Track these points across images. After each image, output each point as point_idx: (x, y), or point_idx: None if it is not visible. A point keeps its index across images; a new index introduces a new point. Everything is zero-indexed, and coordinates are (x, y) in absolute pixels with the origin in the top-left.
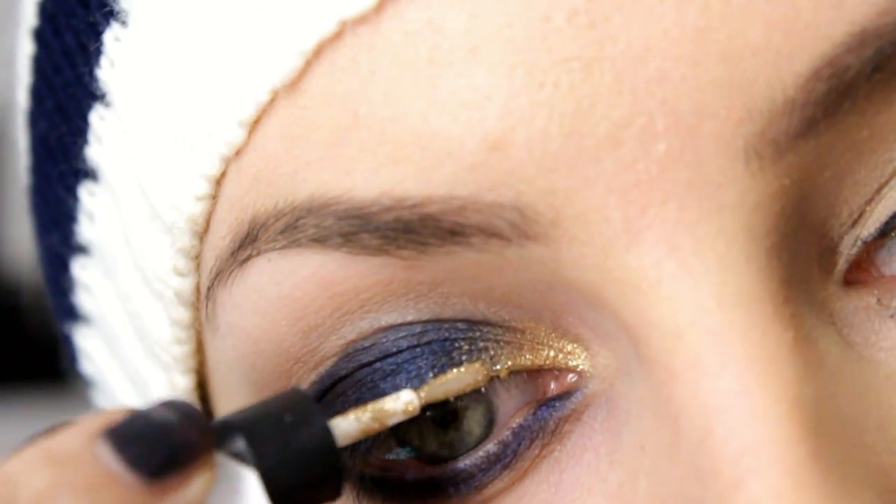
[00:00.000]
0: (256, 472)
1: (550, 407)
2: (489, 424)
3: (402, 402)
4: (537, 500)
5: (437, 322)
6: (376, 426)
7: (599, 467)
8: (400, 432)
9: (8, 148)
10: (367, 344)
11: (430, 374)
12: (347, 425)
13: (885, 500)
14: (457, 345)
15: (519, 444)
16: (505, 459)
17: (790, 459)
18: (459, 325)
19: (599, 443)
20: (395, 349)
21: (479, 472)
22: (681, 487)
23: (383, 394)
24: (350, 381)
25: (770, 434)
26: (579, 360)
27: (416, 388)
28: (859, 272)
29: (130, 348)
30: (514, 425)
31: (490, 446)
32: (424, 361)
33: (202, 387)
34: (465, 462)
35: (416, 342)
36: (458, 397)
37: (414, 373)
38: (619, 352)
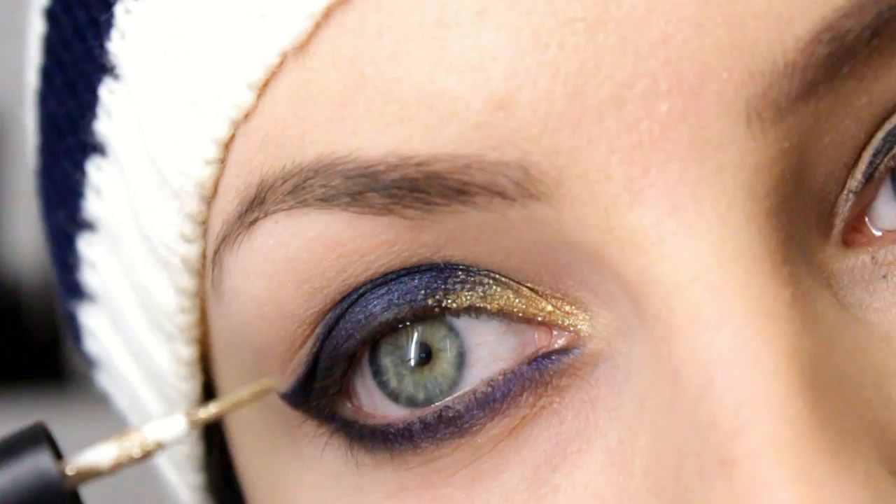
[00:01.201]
0: None
1: (547, 359)
2: (460, 363)
3: (172, 431)
4: (537, 451)
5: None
6: (140, 456)
7: (599, 422)
8: (380, 372)
9: (8, 148)
10: (361, 279)
11: (421, 293)
12: (106, 455)
13: (883, 453)
14: (455, 275)
15: (509, 389)
16: (494, 403)
17: (788, 410)
18: (459, 265)
19: (598, 397)
20: (390, 279)
21: (466, 413)
22: (680, 441)
23: (372, 317)
24: (343, 316)
25: (768, 385)
26: (577, 321)
27: (188, 411)
28: (856, 233)
29: (134, 322)
30: (507, 370)
31: (479, 386)
32: (418, 280)
33: (205, 359)
34: (453, 402)
35: (413, 270)
36: (432, 338)
37: (406, 289)
38: (620, 312)
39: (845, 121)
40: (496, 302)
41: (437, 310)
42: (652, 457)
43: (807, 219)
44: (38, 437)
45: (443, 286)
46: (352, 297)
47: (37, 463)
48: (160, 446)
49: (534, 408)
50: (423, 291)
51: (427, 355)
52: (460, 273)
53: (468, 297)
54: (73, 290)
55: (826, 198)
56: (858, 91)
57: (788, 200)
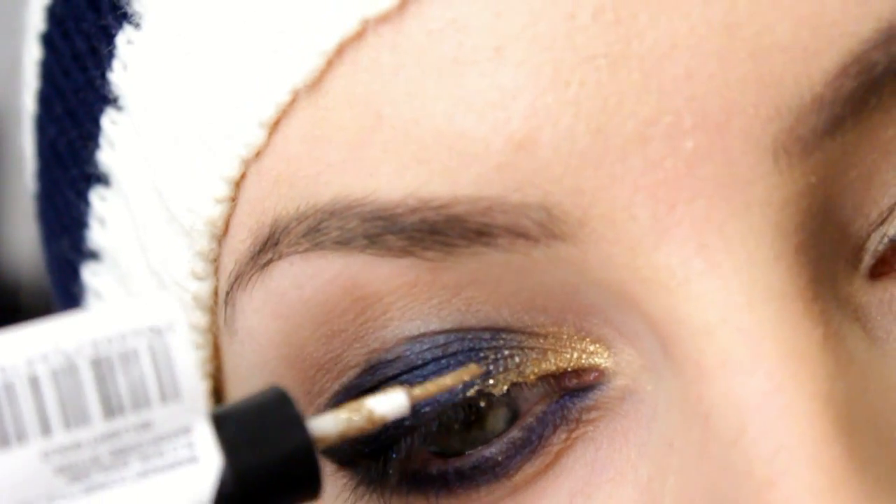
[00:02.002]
0: (231, 476)
1: (574, 396)
2: (512, 421)
3: (392, 405)
4: (574, 479)
5: (461, 331)
6: (367, 427)
7: (630, 455)
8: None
9: (8, 148)
10: (390, 356)
11: (459, 387)
12: (334, 425)
13: None
14: (482, 354)
15: (543, 430)
16: (531, 445)
17: (825, 457)
18: (483, 334)
19: (629, 429)
20: (419, 361)
21: (505, 459)
22: (711, 486)
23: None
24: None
25: (804, 432)
26: (601, 359)
27: (410, 385)
28: (884, 265)
29: None
30: (538, 412)
31: (514, 433)
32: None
33: (217, 393)
34: (490, 450)
35: (440, 353)
36: (486, 400)
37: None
38: (644, 350)
39: (872, 154)
40: (531, 372)
41: (480, 400)
42: (682, 499)
43: (835, 253)
44: (285, 399)
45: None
46: (380, 381)
47: (287, 423)
48: (384, 420)
49: (568, 440)
50: (459, 386)
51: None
52: (488, 353)
53: (504, 378)
54: None
55: (855, 231)
56: (885, 123)
57: (816, 236)
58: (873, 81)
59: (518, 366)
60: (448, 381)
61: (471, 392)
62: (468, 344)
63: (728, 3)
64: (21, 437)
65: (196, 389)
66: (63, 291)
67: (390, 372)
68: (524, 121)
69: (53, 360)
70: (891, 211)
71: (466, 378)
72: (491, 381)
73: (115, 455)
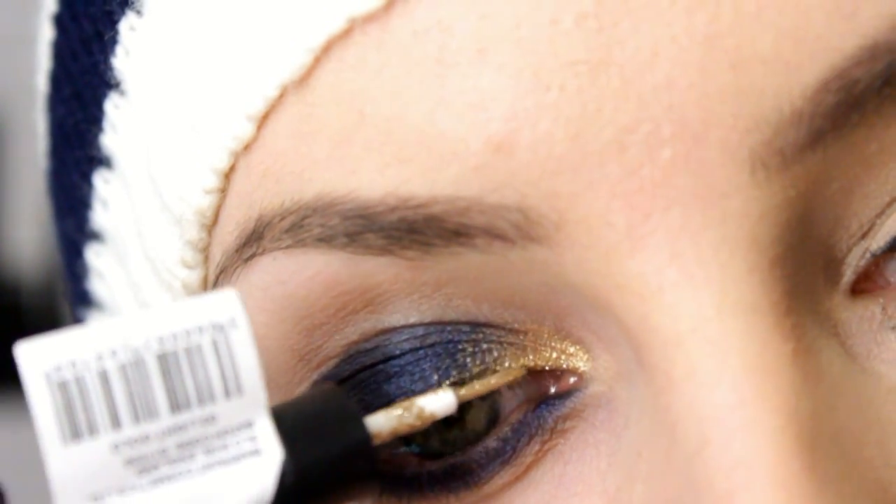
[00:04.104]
0: (292, 469)
1: (550, 405)
2: (492, 422)
3: (441, 404)
4: (540, 493)
5: (440, 324)
6: (418, 424)
7: (600, 465)
8: None
9: (8, 148)
10: (369, 346)
11: (435, 377)
12: (387, 421)
13: None
14: (460, 346)
15: (518, 440)
16: (504, 455)
17: (784, 473)
18: (462, 327)
19: (601, 440)
20: (397, 351)
21: (479, 468)
22: (675, 498)
23: (386, 395)
24: (352, 382)
25: (764, 447)
26: (580, 362)
27: (457, 386)
28: (866, 282)
29: None
30: (514, 421)
31: (490, 442)
32: (428, 363)
33: None
34: (465, 457)
35: (418, 344)
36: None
37: (418, 375)
38: (620, 356)
39: (854, 168)
40: (508, 367)
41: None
42: None
43: (814, 267)
44: (340, 395)
45: (453, 364)
46: (357, 370)
47: (345, 419)
48: (434, 417)
49: (539, 452)
50: (435, 375)
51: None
52: (466, 345)
53: (479, 370)
54: (82, 297)
55: (835, 244)
56: (868, 139)
57: (794, 249)
58: (855, 97)
59: (496, 359)
60: (493, 381)
61: (445, 384)
62: (447, 336)
63: (710, 13)
64: (92, 430)
65: (257, 384)
66: (69, 271)
67: (367, 361)
68: (503, 123)
69: (122, 355)
70: (872, 225)
71: (511, 378)
72: (467, 374)
73: (181, 448)
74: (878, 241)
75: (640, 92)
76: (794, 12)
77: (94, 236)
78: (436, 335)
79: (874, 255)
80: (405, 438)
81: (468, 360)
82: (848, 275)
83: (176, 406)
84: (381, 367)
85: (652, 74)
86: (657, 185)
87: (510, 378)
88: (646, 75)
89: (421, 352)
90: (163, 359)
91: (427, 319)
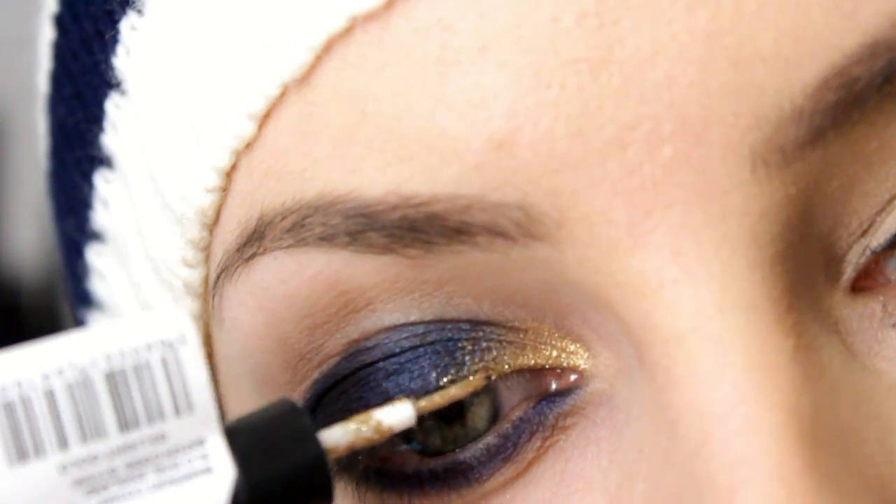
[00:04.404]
0: (245, 486)
1: (550, 402)
2: (493, 419)
3: (399, 417)
4: (542, 489)
5: (441, 322)
6: (376, 438)
7: (601, 463)
8: None
9: (8, 148)
10: (369, 344)
11: (433, 374)
12: (343, 436)
13: None
14: (460, 345)
15: (519, 437)
16: (505, 452)
17: (785, 469)
18: (463, 325)
19: (602, 438)
20: (397, 349)
21: (479, 465)
22: (676, 494)
23: (385, 393)
24: (352, 380)
25: (765, 443)
26: (581, 360)
27: (416, 398)
28: (866, 279)
29: None
30: (514, 418)
31: (490, 438)
32: (427, 361)
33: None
34: (465, 455)
35: (418, 342)
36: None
37: (416, 372)
38: (621, 354)
39: (854, 165)
40: (507, 365)
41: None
42: None
43: (814, 264)
44: (295, 410)
45: (452, 362)
46: (357, 367)
47: (299, 434)
48: (392, 430)
49: (541, 449)
50: (433, 373)
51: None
52: (466, 343)
53: (478, 368)
54: (83, 297)
55: (835, 242)
56: (869, 136)
57: (795, 246)
58: (855, 95)
59: (495, 358)
60: (453, 392)
61: (444, 381)
62: (447, 334)
63: (711, 11)
64: (39, 450)
65: (208, 402)
66: (69, 271)
67: (367, 359)
68: (504, 121)
69: (68, 374)
70: (872, 222)
71: (471, 389)
72: (465, 371)
73: (130, 467)
74: (878, 239)
75: (641, 90)
76: (794, 10)
77: (95, 236)
78: (436, 333)
79: (874, 253)
80: (406, 436)
81: (467, 358)
82: (848, 272)
83: (125, 425)
84: (380, 364)
85: (653, 72)
86: (658, 182)
87: (471, 388)
88: (646, 73)
89: (420, 349)
90: (111, 377)
91: (428, 317)
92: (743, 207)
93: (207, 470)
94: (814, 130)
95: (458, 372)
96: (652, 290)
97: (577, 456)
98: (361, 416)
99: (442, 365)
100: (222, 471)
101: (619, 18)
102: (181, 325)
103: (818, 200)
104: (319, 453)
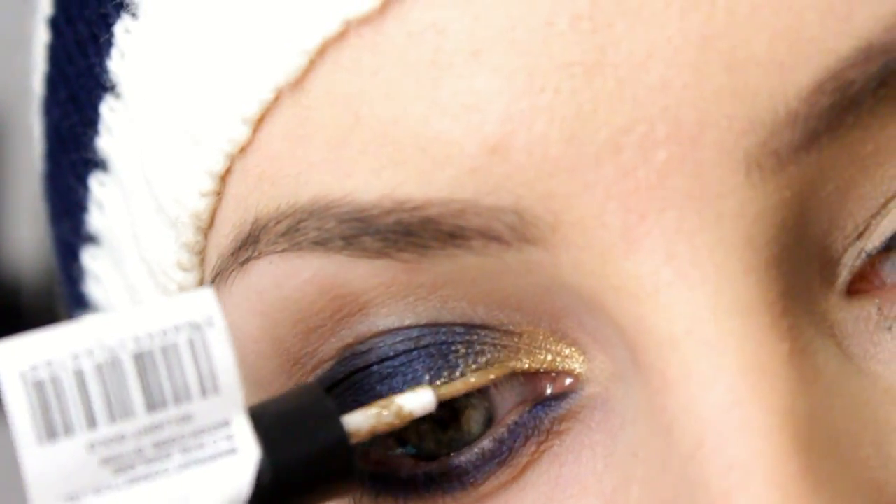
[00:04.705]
0: (269, 467)
1: (546, 406)
2: (488, 424)
3: (420, 402)
4: (537, 493)
5: (435, 326)
6: (397, 423)
7: (596, 467)
8: (397, 431)
9: (8, 148)
10: (363, 348)
11: (426, 377)
12: (365, 420)
13: None
14: (453, 348)
15: (514, 441)
16: (500, 456)
17: (779, 474)
18: (457, 328)
19: (597, 442)
20: (391, 353)
21: (474, 469)
22: (671, 498)
23: (379, 397)
24: (346, 384)
25: (760, 447)
26: (576, 364)
27: (435, 385)
28: (862, 282)
29: None
30: (510, 422)
31: (485, 443)
32: (421, 364)
33: None
34: (460, 459)
35: (412, 346)
36: (457, 398)
37: (410, 376)
38: (616, 357)
39: (850, 169)
40: (501, 369)
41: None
42: None
43: (809, 268)
44: (320, 395)
45: (445, 365)
46: (352, 371)
47: (323, 418)
48: (412, 416)
49: (535, 453)
50: (427, 376)
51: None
52: (460, 347)
53: (472, 369)
54: (79, 300)
55: (830, 245)
56: (864, 140)
57: (790, 250)
58: (850, 99)
59: (488, 361)
60: (473, 380)
61: (437, 383)
62: (441, 337)
63: (705, 15)
64: (68, 429)
65: (234, 384)
66: (64, 274)
67: (361, 363)
68: (498, 125)
69: (98, 354)
70: (867, 225)
71: (495, 376)
72: (458, 374)
73: (157, 447)
74: (873, 242)
75: (635, 93)
76: (788, 14)
77: (90, 239)
78: (430, 336)
79: (869, 256)
80: (400, 440)
81: (460, 361)
82: (844, 275)
83: (152, 405)
84: (374, 368)
85: (647, 75)
86: (652, 186)
87: (494, 376)
88: (640, 76)
89: (414, 353)
90: (139, 358)
91: (423, 321)
92: (737, 211)
93: (232, 451)
94: (808, 134)
95: (450, 375)
96: (646, 293)
97: (573, 460)
98: (383, 402)
99: (435, 368)
100: (246, 452)
101: (613, 22)
102: (209, 308)
103: (813, 204)
104: (342, 436)
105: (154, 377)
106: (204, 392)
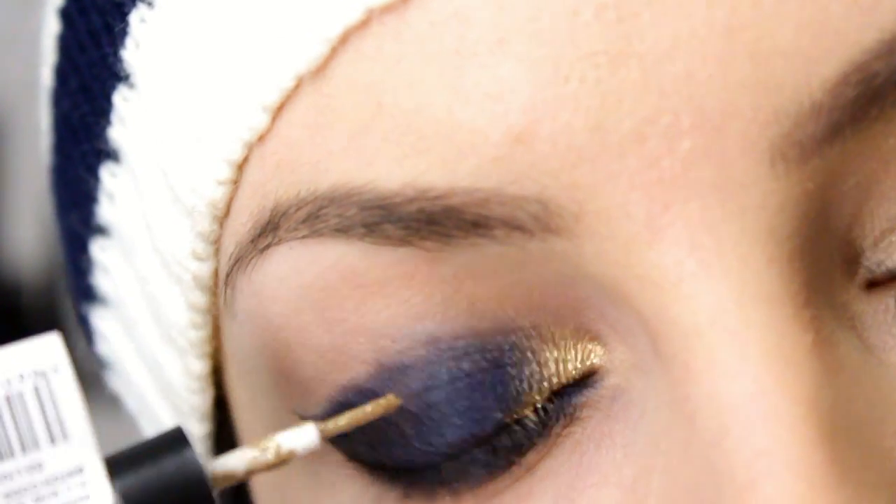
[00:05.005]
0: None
1: (568, 394)
2: None
3: (302, 441)
4: (558, 481)
5: (477, 337)
6: (276, 462)
7: (616, 457)
8: None
9: (8, 148)
10: (406, 361)
11: (498, 415)
12: (240, 462)
13: None
14: (508, 370)
15: (536, 428)
16: (522, 446)
17: (806, 462)
18: (502, 344)
19: (616, 432)
20: (445, 376)
21: (495, 458)
22: (694, 487)
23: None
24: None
25: (786, 436)
26: (596, 357)
27: (321, 421)
28: (882, 275)
29: (146, 331)
30: (534, 410)
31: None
32: (479, 394)
33: (217, 372)
34: (482, 452)
35: (464, 372)
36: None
37: (476, 413)
38: (637, 348)
39: (872, 163)
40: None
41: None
42: (666, 500)
43: (830, 260)
44: (182, 439)
45: (505, 394)
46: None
47: (183, 462)
48: (293, 455)
49: (557, 438)
50: (498, 413)
51: None
52: (511, 370)
53: (530, 398)
54: (86, 292)
55: (851, 241)
56: (886, 133)
57: (812, 242)
58: (874, 91)
59: (539, 382)
60: (360, 414)
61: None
62: (489, 355)
63: (730, 5)
64: None
65: (85, 429)
66: (72, 266)
67: (411, 384)
68: (522, 114)
69: None
70: (885, 235)
71: (381, 412)
72: (519, 405)
73: (9, 497)
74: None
75: (660, 83)
76: (813, 5)
77: (100, 230)
78: (478, 355)
79: (889, 270)
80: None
81: (516, 384)
82: (863, 270)
83: None
84: (426, 395)
85: (672, 66)
86: (677, 176)
87: (380, 411)
88: (666, 67)
89: (466, 380)
90: None
91: (459, 328)
92: (761, 202)
93: (85, 497)
94: (832, 126)
95: (513, 406)
96: (670, 283)
97: (592, 450)
98: (261, 442)
99: (494, 395)
100: (100, 498)
101: (639, 12)
102: (53, 355)
103: (836, 197)
104: (202, 480)
105: None
106: (52, 439)
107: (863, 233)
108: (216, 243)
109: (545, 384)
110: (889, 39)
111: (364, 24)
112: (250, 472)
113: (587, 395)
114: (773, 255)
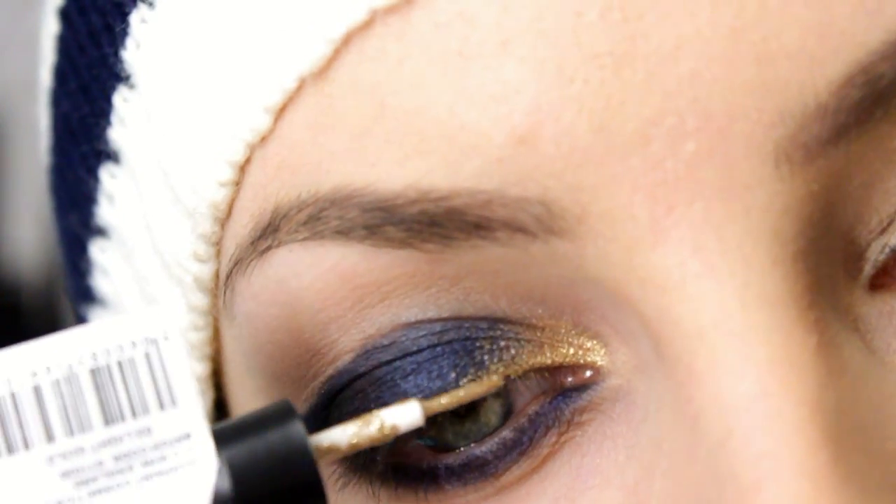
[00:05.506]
0: (230, 480)
1: (566, 397)
2: (506, 415)
3: (407, 417)
4: (558, 484)
5: (458, 320)
6: (379, 437)
7: (618, 458)
8: None
9: (8, 148)
10: (385, 342)
11: (452, 374)
12: (343, 435)
13: None
14: (478, 344)
15: (535, 431)
16: (521, 446)
17: (810, 464)
18: (480, 323)
19: (618, 433)
20: (415, 348)
21: (495, 459)
22: (697, 489)
23: (404, 393)
24: (368, 378)
25: (790, 438)
26: (597, 357)
27: (425, 399)
28: (885, 277)
29: None
30: (530, 412)
31: (506, 433)
32: (446, 361)
33: (217, 374)
34: (481, 448)
35: (436, 341)
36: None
37: (435, 373)
38: (639, 350)
39: (876, 163)
40: (524, 364)
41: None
42: (668, 502)
43: (834, 261)
44: (289, 412)
45: (471, 362)
46: (374, 366)
47: (288, 434)
48: (396, 430)
49: (556, 444)
50: (452, 374)
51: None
52: (484, 343)
53: (497, 368)
54: (85, 294)
55: (855, 239)
56: (891, 134)
57: (816, 243)
58: (879, 92)
59: (513, 357)
60: (462, 393)
61: (463, 381)
62: (465, 332)
63: (736, 7)
64: (27, 443)
65: (192, 396)
66: (71, 267)
67: (385, 357)
68: (526, 116)
69: (55, 370)
70: (892, 220)
71: (484, 391)
72: (484, 371)
73: (118, 460)
74: None
75: (665, 85)
76: (818, 7)
77: (100, 232)
78: (453, 332)
79: (893, 250)
80: (417, 432)
81: (486, 357)
82: (867, 269)
83: (110, 419)
84: (398, 363)
85: (676, 67)
86: (680, 178)
87: (484, 390)
88: (670, 68)
89: (438, 349)
90: (96, 373)
91: (445, 314)
92: (766, 203)
93: (192, 462)
94: (837, 127)
95: (477, 371)
96: (673, 285)
97: (594, 451)
98: (366, 416)
99: (461, 364)
100: (206, 464)
101: (643, 13)
102: (165, 322)
103: (840, 198)
104: (306, 451)
105: (111, 391)
106: (162, 405)
107: (867, 228)
108: (217, 245)
109: (527, 361)
110: (894, 41)
111: (367, 24)
112: (354, 447)
113: (587, 398)
114: (777, 256)
